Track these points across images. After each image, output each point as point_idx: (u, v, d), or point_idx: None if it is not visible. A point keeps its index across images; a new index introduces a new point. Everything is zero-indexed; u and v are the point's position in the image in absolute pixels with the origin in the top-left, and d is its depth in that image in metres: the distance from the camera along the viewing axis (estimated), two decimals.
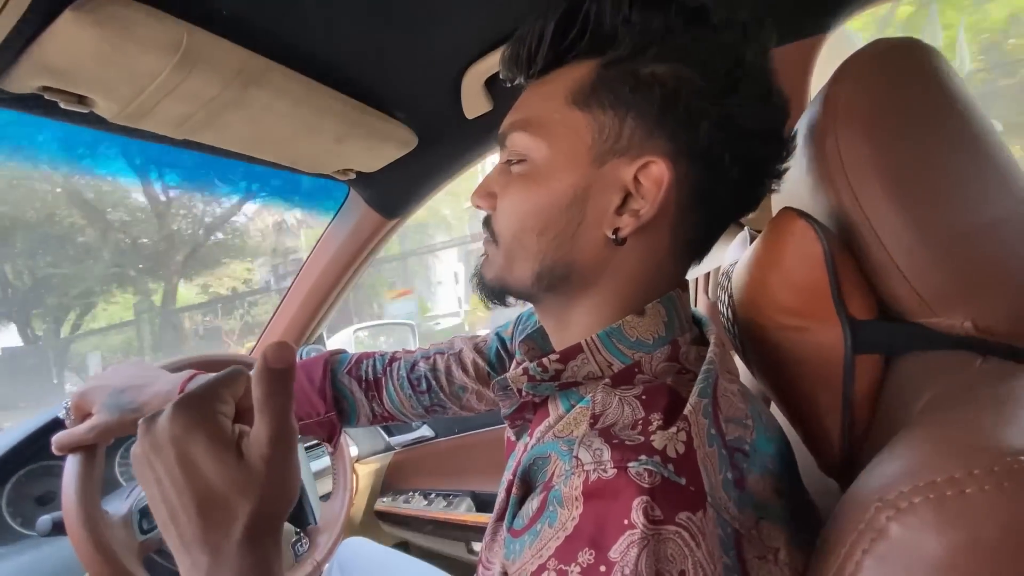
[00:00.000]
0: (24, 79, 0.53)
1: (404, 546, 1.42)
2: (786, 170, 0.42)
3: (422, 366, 0.69)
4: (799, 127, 0.46)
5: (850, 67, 0.40)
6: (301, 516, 0.97)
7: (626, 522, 0.28)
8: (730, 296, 0.51)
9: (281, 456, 0.34)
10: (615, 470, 0.30)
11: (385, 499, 1.43)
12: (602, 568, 0.27)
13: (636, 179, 0.38)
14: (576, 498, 0.30)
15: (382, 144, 0.84)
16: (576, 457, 0.33)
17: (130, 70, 0.54)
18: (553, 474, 0.34)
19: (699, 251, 0.44)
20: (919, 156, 0.37)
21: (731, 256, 0.63)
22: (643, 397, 0.36)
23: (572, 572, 0.28)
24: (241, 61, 0.58)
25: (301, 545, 0.99)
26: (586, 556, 0.28)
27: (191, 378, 0.64)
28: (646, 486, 0.29)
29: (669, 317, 0.41)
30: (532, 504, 0.34)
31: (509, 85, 0.46)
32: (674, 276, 0.43)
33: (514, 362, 0.57)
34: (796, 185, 0.46)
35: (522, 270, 0.42)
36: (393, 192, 1.04)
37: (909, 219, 0.36)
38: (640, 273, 0.41)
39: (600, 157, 0.39)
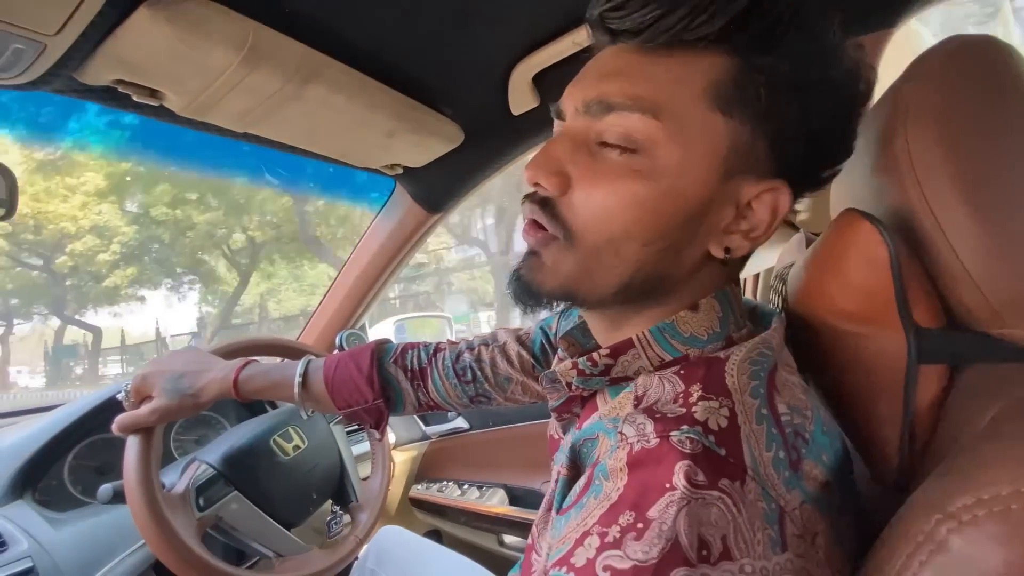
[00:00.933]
0: (99, 72, 0.57)
1: (436, 534, 1.44)
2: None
3: (467, 356, 0.69)
4: (863, 126, 0.45)
5: (922, 65, 0.39)
6: (343, 494, 1.01)
7: (668, 485, 0.28)
8: (783, 299, 0.49)
9: None
10: (658, 439, 0.31)
11: (419, 487, 1.46)
12: (639, 525, 0.28)
13: (749, 201, 0.37)
14: (621, 469, 0.31)
15: (429, 139, 0.85)
16: (620, 432, 0.33)
17: (199, 65, 0.56)
18: (600, 454, 0.35)
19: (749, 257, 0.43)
20: (994, 158, 0.35)
21: (786, 259, 0.61)
22: (681, 372, 0.36)
23: (612, 532, 0.28)
24: (302, 56, 0.60)
25: (336, 522, 1.03)
26: (626, 517, 0.28)
27: (244, 365, 0.67)
28: (688, 452, 0.29)
29: (724, 312, 0.40)
30: (580, 482, 0.35)
31: (608, 37, 0.37)
32: (730, 278, 0.43)
33: (556, 357, 0.57)
34: (860, 186, 0.45)
35: (605, 280, 0.37)
36: (437, 187, 1.06)
37: (983, 224, 0.34)
38: (715, 285, 0.40)
39: (731, 171, 0.35)
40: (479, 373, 0.69)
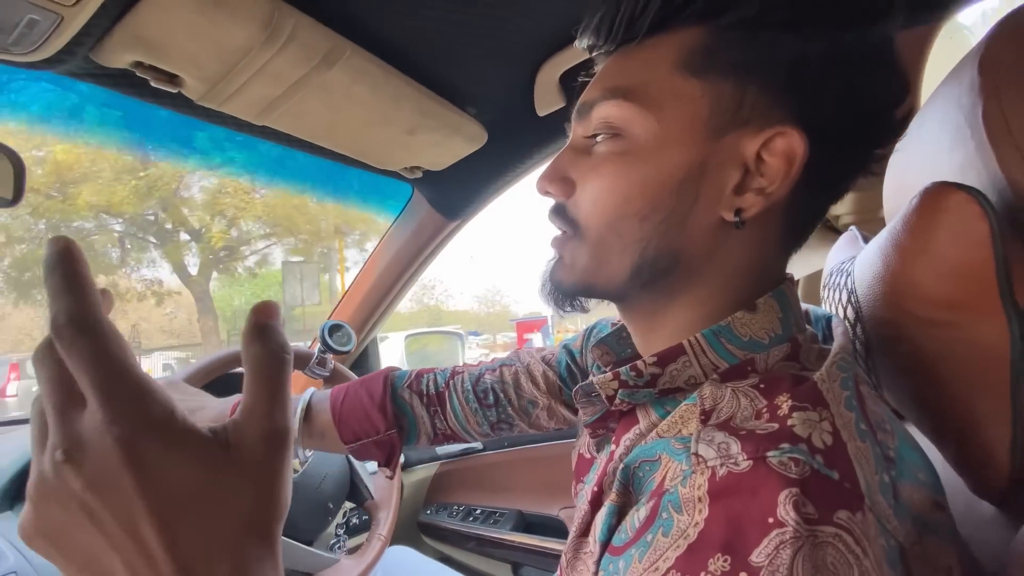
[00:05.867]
0: (117, 52, 0.54)
1: (446, 562, 1.37)
2: (887, 155, 0.38)
3: (488, 378, 0.64)
4: (933, 100, 0.41)
5: (1011, 25, 0.35)
6: (358, 494, 0.96)
7: (771, 520, 0.23)
8: (851, 293, 0.45)
9: (281, 437, 0.24)
10: (750, 462, 0.26)
11: (428, 511, 1.39)
12: (743, 575, 0.22)
13: (758, 154, 0.34)
14: (699, 499, 0.26)
15: (452, 138, 0.82)
16: (696, 455, 0.28)
17: (220, 45, 0.54)
18: (665, 478, 0.30)
19: (800, 240, 0.39)
20: None
21: (837, 258, 0.57)
22: (761, 386, 0.31)
23: None
24: (327, 41, 0.58)
25: (339, 546, 0.97)
26: (719, 563, 0.23)
27: (236, 406, 0.62)
28: (794, 477, 0.24)
29: (784, 313, 0.36)
30: (639, 514, 0.29)
31: (591, 55, 0.41)
32: (778, 268, 0.39)
33: (591, 372, 0.52)
34: (929, 168, 0.41)
35: (617, 265, 0.37)
36: (457, 193, 1.03)
37: None
38: (749, 263, 0.36)
39: (719, 129, 0.34)
40: (502, 396, 0.63)
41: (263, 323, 0.24)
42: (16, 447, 0.82)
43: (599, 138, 0.37)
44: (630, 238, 0.36)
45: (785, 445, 0.26)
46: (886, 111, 0.36)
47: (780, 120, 0.33)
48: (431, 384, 0.64)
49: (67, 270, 0.21)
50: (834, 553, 0.22)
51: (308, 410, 0.61)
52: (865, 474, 0.26)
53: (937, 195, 0.35)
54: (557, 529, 1.20)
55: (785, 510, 0.23)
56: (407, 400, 0.63)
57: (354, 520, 1.00)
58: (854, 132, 0.35)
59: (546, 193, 0.40)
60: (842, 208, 0.78)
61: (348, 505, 1.00)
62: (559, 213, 0.40)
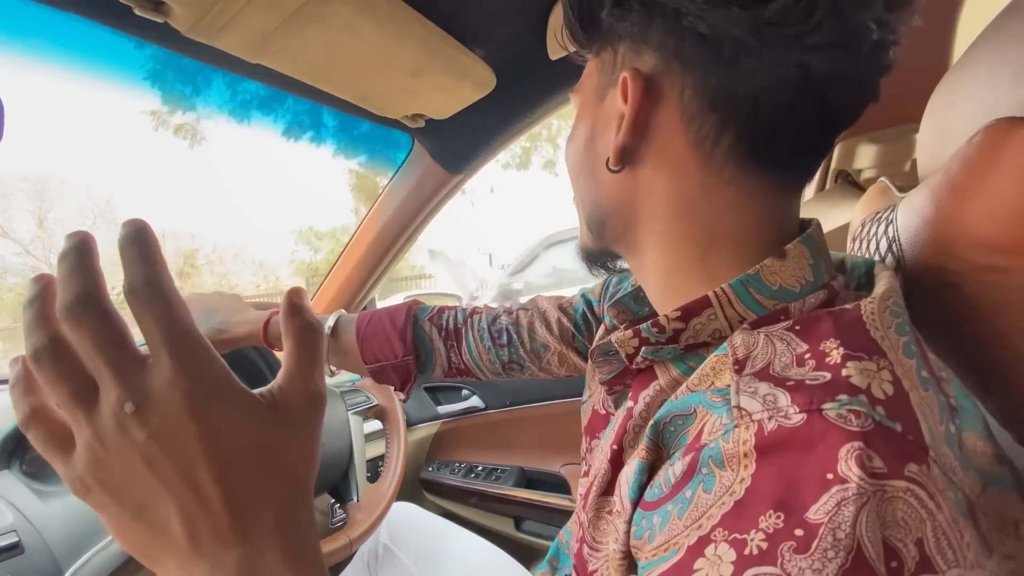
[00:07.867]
0: None
1: (449, 517, 1.39)
2: (889, 27, 0.30)
3: (504, 319, 0.66)
4: (983, 41, 0.38)
5: None
6: (345, 490, 0.95)
7: (831, 476, 0.22)
8: (892, 240, 0.43)
9: (318, 398, 0.27)
10: (803, 415, 0.24)
11: (430, 468, 1.40)
12: (799, 532, 0.21)
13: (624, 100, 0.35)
14: (745, 455, 0.24)
15: (459, 83, 0.78)
16: (739, 407, 0.26)
17: None
18: (702, 432, 0.28)
19: (770, 160, 0.34)
20: None
21: (867, 211, 0.55)
22: (797, 328, 0.29)
23: (754, 541, 0.22)
24: None
25: (335, 519, 0.97)
26: (772, 520, 0.22)
27: (276, 312, 0.63)
28: (855, 430, 0.23)
29: (815, 259, 0.34)
30: (673, 469, 0.28)
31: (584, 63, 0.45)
32: (746, 199, 0.34)
33: (602, 327, 0.52)
34: (986, 109, 0.38)
35: (584, 223, 0.42)
36: (461, 145, 0.98)
37: None
38: (679, 199, 0.35)
39: (602, 92, 0.38)
40: (515, 337, 0.64)
41: (297, 303, 0.27)
42: (10, 405, 0.80)
43: None
44: (578, 197, 0.42)
45: (843, 397, 0.24)
46: (784, 27, 0.29)
47: (639, 65, 0.34)
48: (451, 319, 0.66)
49: (142, 244, 0.23)
50: (905, 508, 0.21)
51: (335, 328, 0.65)
52: (930, 425, 0.24)
53: (1001, 131, 0.32)
54: (559, 485, 1.22)
55: (847, 465, 0.22)
56: (427, 332, 0.65)
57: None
58: (745, 35, 0.30)
59: None
60: (865, 161, 0.75)
61: (328, 499, 0.99)
62: None
